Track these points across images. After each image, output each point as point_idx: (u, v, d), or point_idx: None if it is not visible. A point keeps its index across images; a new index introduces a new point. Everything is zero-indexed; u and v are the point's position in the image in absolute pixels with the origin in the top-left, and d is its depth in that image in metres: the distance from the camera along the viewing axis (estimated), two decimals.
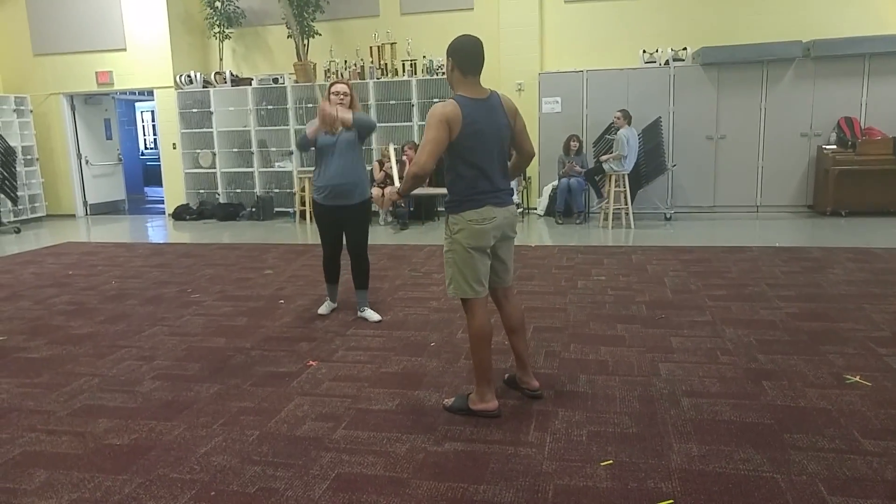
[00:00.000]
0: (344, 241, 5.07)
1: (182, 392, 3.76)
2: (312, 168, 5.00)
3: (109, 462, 2.97)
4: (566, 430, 3.15)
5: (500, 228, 3.29)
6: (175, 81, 11.36)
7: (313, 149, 4.88)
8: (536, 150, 9.98)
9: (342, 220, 4.93)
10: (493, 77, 10.55)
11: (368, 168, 9.90)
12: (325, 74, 10.86)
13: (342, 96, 4.79)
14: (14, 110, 11.47)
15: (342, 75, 10.71)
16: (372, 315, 5.04)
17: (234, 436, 3.19)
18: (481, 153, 3.20)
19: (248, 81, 11.25)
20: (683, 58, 9.84)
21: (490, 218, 3.22)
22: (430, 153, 3.11)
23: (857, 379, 3.61)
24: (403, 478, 2.77)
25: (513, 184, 9.65)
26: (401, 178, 4.43)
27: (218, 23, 11.18)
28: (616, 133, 9.12)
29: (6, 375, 4.11)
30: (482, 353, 3.29)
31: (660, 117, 9.45)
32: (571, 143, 9.64)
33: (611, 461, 2.84)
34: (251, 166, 11.38)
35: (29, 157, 11.72)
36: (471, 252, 3.22)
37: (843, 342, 4.21)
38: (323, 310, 5.26)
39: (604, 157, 9.11)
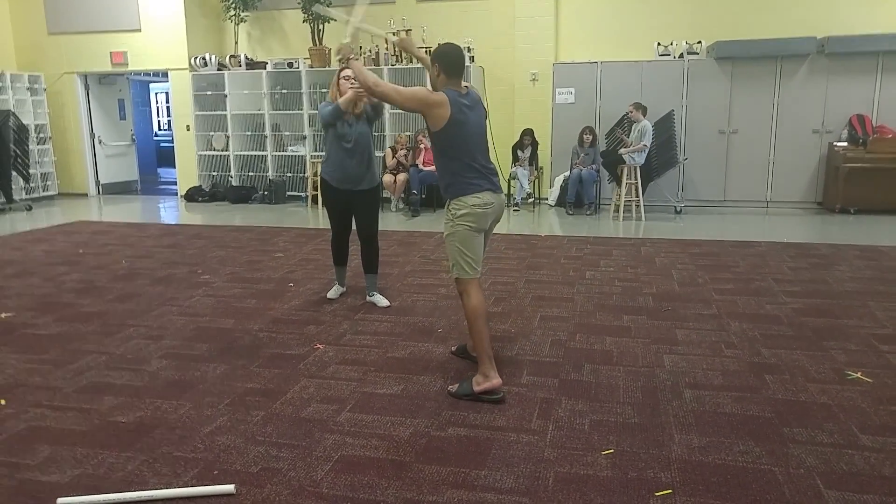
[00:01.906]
0: (354, 226, 5.09)
1: (189, 371, 3.80)
2: (324, 153, 5.01)
3: (114, 439, 3.01)
4: (569, 418, 3.17)
5: (495, 213, 3.54)
6: (190, 63, 11.38)
7: (322, 133, 4.90)
8: (549, 140, 10.17)
9: (351, 203, 4.95)
10: (508, 66, 10.58)
11: (380, 155, 9.95)
12: (340, 60, 10.83)
13: (352, 81, 4.75)
14: (28, 88, 11.53)
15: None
16: (380, 300, 5.07)
17: (240, 416, 3.23)
18: (471, 141, 3.46)
19: (263, 65, 11.25)
20: (698, 51, 9.79)
21: (489, 203, 3.46)
22: (391, 96, 3.40)
23: (859, 375, 3.62)
24: (406, 461, 2.80)
25: (523, 172, 9.83)
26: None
27: (234, 5, 11.17)
28: (632, 126, 9.10)
29: (14, 351, 4.17)
30: (482, 329, 3.43)
31: (672, 110, 9.41)
32: (584, 136, 9.62)
33: (612, 450, 2.87)
34: (264, 150, 11.41)
35: (42, 135, 11.79)
36: (472, 233, 3.43)
37: (846, 338, 4.21)
38: (331, 294, 5.29)
39: (624, 151, 9.04)
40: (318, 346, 4.20)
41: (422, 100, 3.38)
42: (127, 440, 3.00)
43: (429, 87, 3.55)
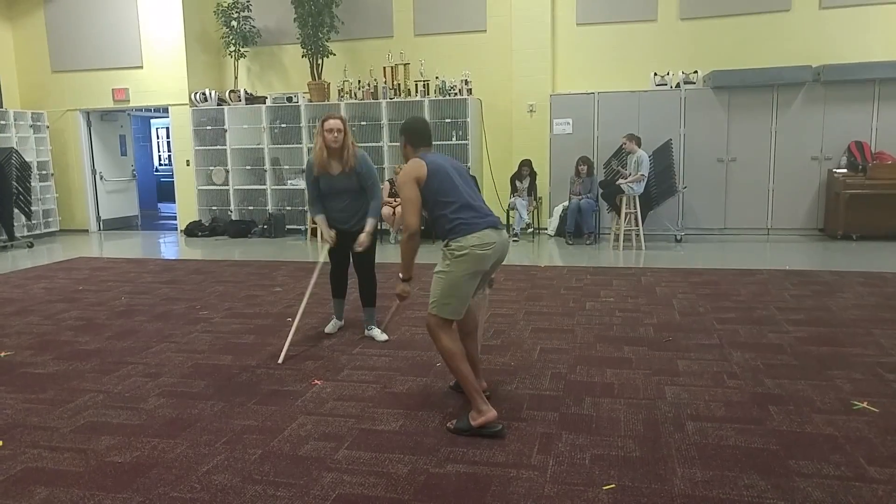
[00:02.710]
0: (352, 260, 5.08)
1: (186, 409, 3.76)
2: None
3: (110, 480, 2.97)
4: (569, 452, 3.13)
5: (498, 253, 3.50)
6: (190, 99, 11.48)
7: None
8: (548, 171, 10.20)
9: (347, 239, 4.93)
10: (506, 98, 10.66)
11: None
12: (339, 94, 10.95)
13: (335, 133, 4.61)
14: (31, 126, 11.64)
15: (356, 95, 10.80)
16: (379, 334, 5.03)
17: (237, 454, 3.19)
18: (457, 183, 3.53)
19: (263, 100, 11.36)
20: (694, 81, 9.87)
21: (491, 242, 3.42)
22: (413, 212, 3.49)
23: (865, 405, 3.57)
24: (404, 499, 2.75)
25: (522, 203, 9.85)
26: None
27: (234, 41, 11.31)
28: (628, 157, 9.14)
29: (12, 391, 4.13)
30: (462, 368, 3.38)
31: (671, 139, 9.45)
32: (580, 167, 9.65)
33: (613, 485, 2.82)
34: (264, 184, 11.46)
35: (44, 172, 11.88)
36: (467, 277, 3.39)
37: (851, 367, 4.17)
38: (329, 328, 5.27)
39: (623, 182, 9.05)
40: (316, 381, 4.16)
41: (409, 183, 3.46)
42: (123, 481, 2.95)
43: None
